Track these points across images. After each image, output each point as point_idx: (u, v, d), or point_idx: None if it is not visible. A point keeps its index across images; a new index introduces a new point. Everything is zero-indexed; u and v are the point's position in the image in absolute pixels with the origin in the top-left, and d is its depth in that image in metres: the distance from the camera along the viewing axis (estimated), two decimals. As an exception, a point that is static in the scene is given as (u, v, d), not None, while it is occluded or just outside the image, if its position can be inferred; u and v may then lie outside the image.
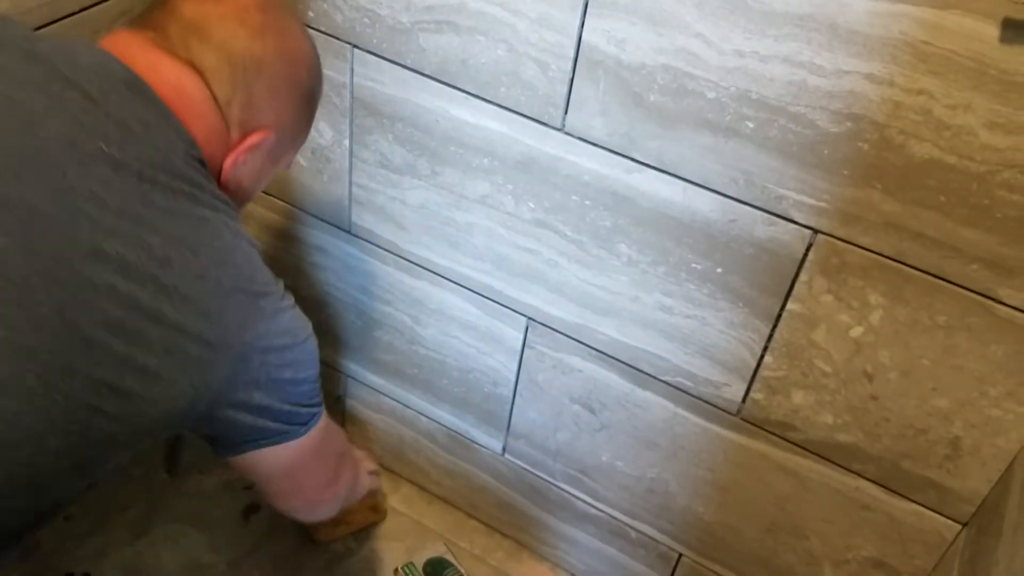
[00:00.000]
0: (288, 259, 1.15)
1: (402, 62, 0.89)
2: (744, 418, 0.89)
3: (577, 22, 0.76)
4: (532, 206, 0.90)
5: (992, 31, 0.60)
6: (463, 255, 0.98)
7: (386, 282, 1.07)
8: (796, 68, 0.68)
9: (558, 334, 0.97)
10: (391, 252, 1.05)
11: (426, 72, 0.88)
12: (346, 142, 0.99)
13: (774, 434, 0.88)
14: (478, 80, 0.85)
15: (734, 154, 0.75)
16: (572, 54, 0.78)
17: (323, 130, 0.99)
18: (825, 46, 0.66)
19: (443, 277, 1.02)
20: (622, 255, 0.87)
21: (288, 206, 1.10)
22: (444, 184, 0.94)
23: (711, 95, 0.73)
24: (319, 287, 1.15)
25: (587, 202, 0.86)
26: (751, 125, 0.73)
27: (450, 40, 0.84)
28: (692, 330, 0.87)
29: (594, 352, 0.95)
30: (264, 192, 1.10)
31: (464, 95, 0.87)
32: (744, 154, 0.75)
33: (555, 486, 1.11)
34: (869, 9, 0.63)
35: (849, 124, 0.69)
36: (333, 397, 1.25)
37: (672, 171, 0.79)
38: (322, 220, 1.08)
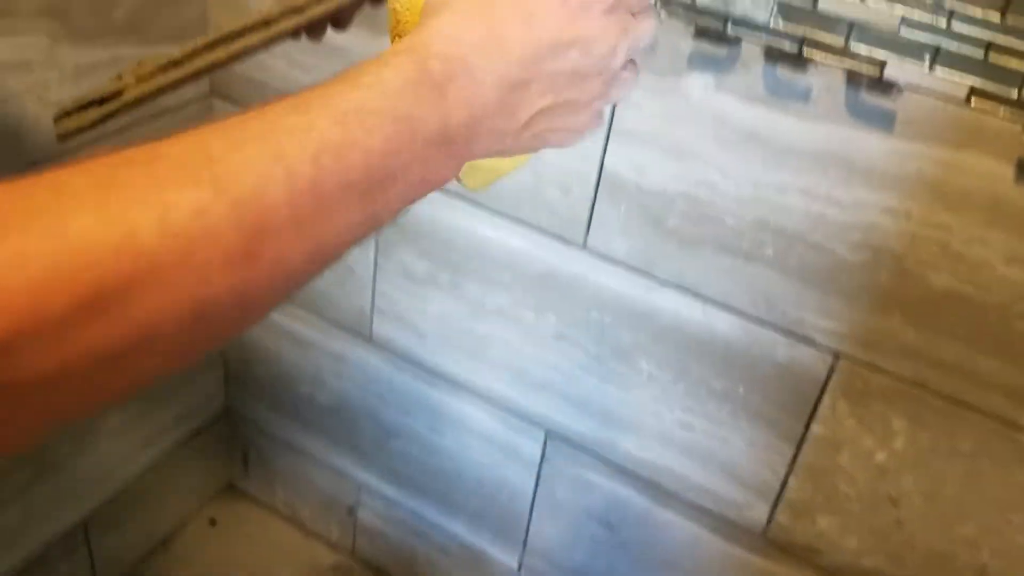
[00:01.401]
0: (307, 366, 1.17)
1: (426, 179, 0.93)
2: (769, 541, 0.90)
3: (599, 150, 0.81)
4: (552, 320, 0.93)
5: (1008, 171, 0.64)
6: (482, 366, 1.01)
7: (404, 391, 1.09)
8: (814, 200, 0.72)
9: (577, 449, 0.98)
10: (410, 361, 1.07)
11: (451, 190, 0.92)
12: (371, 254, 1.02)
13: (799, 558, 0.88)
14: (502, 201, 0.89)
15: (754, 277, 0.78)
16: (594, 179, 0.82)
17: (346, 241, 1.03)
18: (842, 180, 0.70)
19: (462, 387, 1.04)
20: (643, 371, 0.89)
21: (309, 314, 1.13)
22: (465, 296, 0.98)
23: (730, 222, 0.77)
24: (337, 395, 1.18)
25: (607, 318, 0.89)
26: (770, 251, 0.76)
27: (474, 161, 0.88)
28: (714, 449, 0.88)
29: (613, 468, 0.97)
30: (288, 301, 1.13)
31: (488, 213, 0.91)
32: (764, 278, 0.77)
33: (572, 603, 1.11)
34: (885, 147, 0.67)
35: (868, 254, 0.72)
36: (346, 507, 1.26)
37: (692, 291, 0.82)
38: (343, 329, 1.11)
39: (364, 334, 1.09)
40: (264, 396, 1.26)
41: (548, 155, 0.83)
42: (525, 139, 0.39)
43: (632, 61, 0.42)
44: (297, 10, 0.44)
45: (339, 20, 0.47)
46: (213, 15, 0.99)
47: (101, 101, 0.43)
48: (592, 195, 0.83)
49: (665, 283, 0.83)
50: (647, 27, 0.41)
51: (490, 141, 0.38)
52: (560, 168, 0.83)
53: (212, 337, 0.31)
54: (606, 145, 0.80)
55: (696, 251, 0.80)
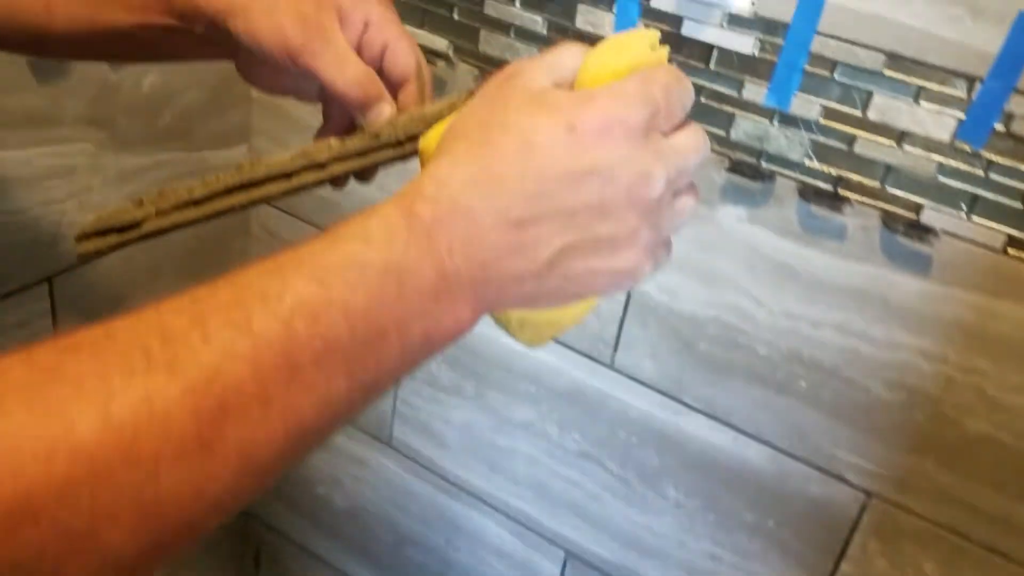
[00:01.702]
0: (324, 467, 1.16)
1: (455, 290, 0.93)
2: None
3: (630, 271, 0.81)
4: (577, 437, 0.92)
5: (1043, 319, 0.63)
6: (503, 479, 0.99)
7: (423, 500, 1.08)
8: (848, 336, 0.71)
9: (597, 572, 0.96)
10: (430, 469, 1.06)
11: (478, 301, 0.92)
12: (393, 359, 1.02)
13: None
14: (529, 314, 0.89)
15: (787, 410, 0.77)
16: (623, 299, 0.82)
17: (371, 345, 1.03)
18: (878, 319, 0.70)
19: (481, 500, 1.02)
20: (669, 497, 0.87)
21: (329, 414, 1.13)
22: (488, 407, 0.97)
23: (762, 351, 0.76)
24: (354, 499, 1.16)
25: (634, 439, 0.88)
26: (803, 384, 0.75)
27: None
28: (740, 580, 0.86)
29: (635, 592, 0.94)
30: (306, 399, 1.13)
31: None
32: (797, 411, 0.77)
33: None
34: (920, 290, 0.67)
35: (903, 394, 0.71)
36: (357, 614, 1.23)
37: (723, 418, 0.81)
38: (363, 431, 1.10)
39: (384, 438, 1.09)
40: (279, 495, 1.24)
41: (578, 274, 0.84)
42: (556, 283, 0.35)
43: (690, 185, 0.37)
44: (318, 166, 0.43)
45: (362, 173, 0.46)
46: (256, 121, 1.02)
47: (120, 229, 0.44)
48: (621, 314, 0.83)
49: (695, 408, 0.82)
50: (689, 145, 0.36)
51: (508, 286, 0.34)
52: (590, 288, 0.84)
53: (163, 541, 0.27)
54: (637, 268, 0.80)
55: (727, 378, 0.79)
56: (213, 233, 1.04)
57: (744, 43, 0.68)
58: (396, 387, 1.04)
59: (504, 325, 0.42)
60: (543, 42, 0.77)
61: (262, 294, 0.29)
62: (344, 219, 0.33)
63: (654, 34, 0.37)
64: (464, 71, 0.82)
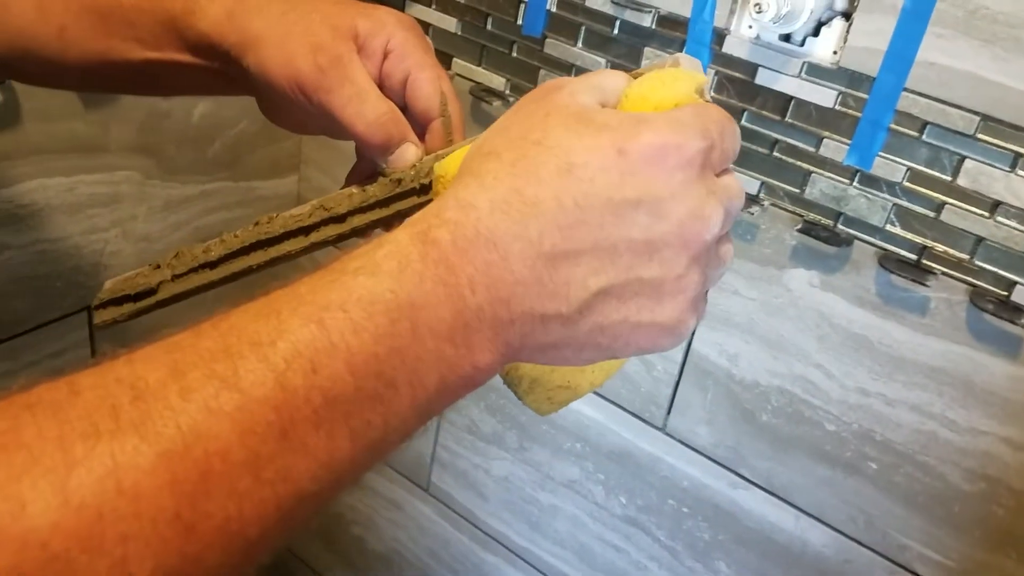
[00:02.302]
0: (362, 508, 1.14)
1: (502, 337, 0.90)
2: None
3: (688, 331, 0.77)
4: (623, 501, 0.87)
5: None
6: (543, 538, 0.95)
7: (457, 551, 1.04)
8: (926, 418, 0.66)
9: (640, 642, 0.91)
10: (467, 520, 1.02)
11: (526, 350, 0.89)
12: (435, 402, 0.99)
13: None
14: (579, 367, 0.85)
15: (854, 491, 0.72)
16: (680, 359, 0.78)
17: (413, 387, 1.00)
18: (959, 402, 0.64)
19: (519, 557, 0.98)
20: (720, 573, 0.82)
21: (366, 454, 1.10)
22: (531, 461, 0.93)
23: (830, 427, 0.71)
24: (388, 543, 1.13)
25: (685, 509, 0.83)
26: (874, 466, 0.70)
27: (554, 325, 0.85)
28: (794, 669, 0.80)
29: (679, 669, 0.89)
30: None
31: (562, 378, 0.87)
32: (865, 494, 0.71)
33: None
34: (1009, 373, 0.62)
35: (983, 485, 0.65)
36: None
37: (782, 495, 0.76)
38: (401, 474, 1.07)
39: (421, 483, 1.06)
40: (315, 530, 1.22)
41: (633, 328, 0.80)
42: (586, 333, 0.30)
43: (728, 234, 0.33)
44: (338, 219, 0.40)
45: (388, 225, 0.41)
46: (307, 151, 1.00)
47: (136, 297, 0.42)
48: (676, 375, 0.79)
49: (753, 482, 0.77)
50: (737, 188, 0.32)
51: (535, 330, 0.29)
52: (645, 345, 0.80)
53: None
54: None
55: (790, 453, 0.74)
56: (258, 263, 1.02)
57: (824, 96, 0.64)
58: (435, 431, 1.01)
59: (513, 384, 0.37)
60: (606, 85, 0.74)
61: (252, 340, 0.26)
62: (352, 249, 0.29)
63: (703, 79, 0.33)
64: (522, 112, 0.79)
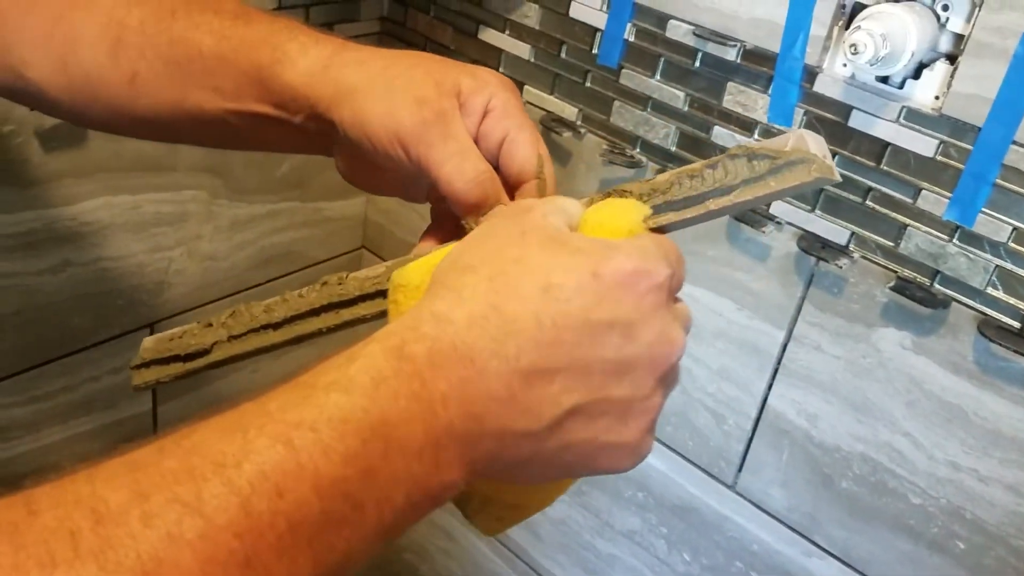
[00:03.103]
0: (415, 536, 1.13)
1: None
2: None
3: (763, 385, 0.73)
4: (687, 558, 0.84)
5: None
6: (600, 588, 0.92)
7: (511, 592, 1.02)
8: (1023, 500, 0.61)
9: None
10: (520, 558, 1.00)
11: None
12: (494, 437, 0.98)
13: None
14: (645, 413, 0.82)
15: (937, 571, 0.67)
16: (754, 414, 0.74)
17: (472, 419, 0.99)
18: (1065, 488, 0.59)
19: (574, 605, 0.96)
20: (787, 645, 0.78)
21: (422, 483, 1.09)
22: (590, 506, 0.90)
23: (916, 500, 0.67)
24: (440, 572, 1.12)
25: (753, 573, 0.79)
26: (961, 545, 0.65)
27: (621, 368, 0.82)
28: None
29: None
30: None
31: (627, 423, 0.84)
32: (950, 574, 0.66)
33: None
34: None
35: (1092, 581, 0.60)
36: None
37: (860, 568, 0.71)
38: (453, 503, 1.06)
39: (478, 519, 1.04)
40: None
41: (701, 374, 0.76)
42: (552, 451, 0.31)
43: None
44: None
45: None
46: (373, 172, 0.99)
47: (186, 357, 0.40)
48: (750, 432, 0.75)
49: (828, 551, 0.73)
50: (690, 314, 0.34)
51: (505, 447, 0.30)
52: (715, 393, 0.76)
53: None
54: (772, 381, 0.72)
55: (870, 524, 0.70)
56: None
57: (924, 144, 0.59)
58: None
59: (462, 502, 0.37)
60: (682, 119, 0.71)
61: (217, 460, 0.25)
62: (322, 362, 0.29)
63: (647, 209, 0.35)
64: (592, 143, 0.77)
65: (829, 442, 0.70)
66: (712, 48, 0.66)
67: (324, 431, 0.26)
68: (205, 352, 0.40)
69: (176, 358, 0.40)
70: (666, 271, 0.32)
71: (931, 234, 0.61)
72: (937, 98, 0.59)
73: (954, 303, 0.61)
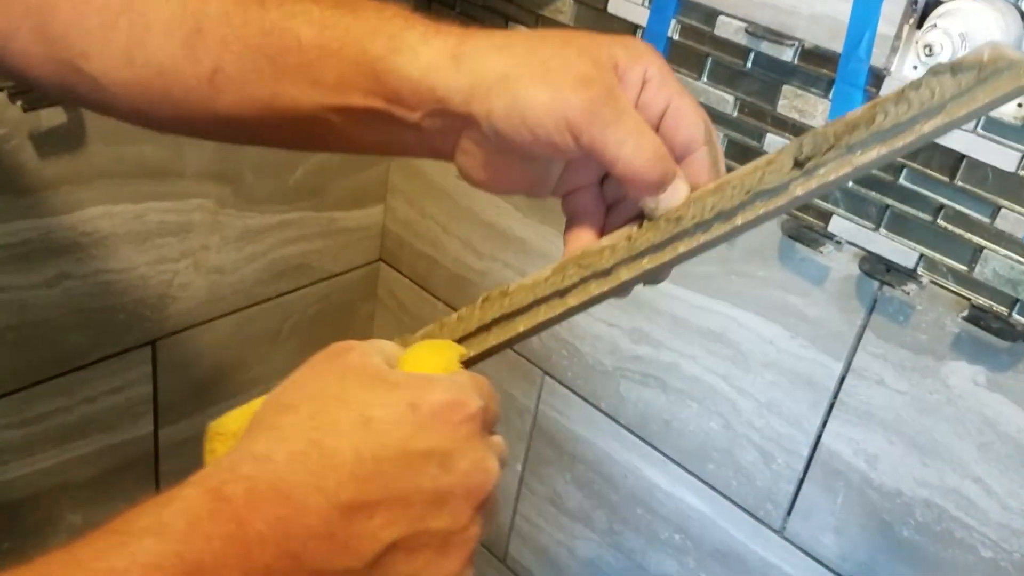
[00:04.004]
0: (429, 570, 1.08)
1: (596, 403, 0.83)
2: None
3: (818, 421, 0.68)
4: (727, 607, 0.78)
5: None
6: (632, 635, 0.87)
7: (534, 635, 0.97)
8: (1120, 562, 0.55)
9: None
10: (546, 600, 0.95)
11: (621, 421, 0.81)
12: (518, 467, 0.93)
13: None
14: (681, 447, 0.77)
15: (1013, 635, 0.61)
16: (806, 453, 0.69)
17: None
18: None
19: (603, 651, 0.90)
20: None
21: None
22: (623, 547, 0.85)
23: (986, 553, 0.61)
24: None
25: (800, 626, 0.73)
26: (1043, 608, 0.59)
27: (656, 396, 0.77)
28: None
29: None
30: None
31: (662, 457, 0.79)
32: (1028, 639, 0.61)
33: None
34: None
35: None
36: None
37: (922, 627, 0.66)
38: (475, 541, 1.01)
39: (498, 554, 0.99)
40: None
41: (747, 407, 0.71)
42: None
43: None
44: (602, 274, 0.37)
45: (656, 274, 0.38)
46: (394, 180, 0.96)
47: None
48: (801, 472, 0.70)
49: (885, 607, 0.68)
50: (505, 447, 0.35)
51: None
52: (763, 428, 0.71)
53: None
54: (827, 417, 0.67)
55: (934, 579, 0.64)
56: (338, 296, 0.98)
57: (1005, 157, 0.54)
58: (515, 498, 0.94)
59: None
60: (731, 125, 0.66)
61: None
62: (137, 506, 0.29)
63: (463, 351, 0.38)
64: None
65: (889, 486, 0.65)
66: (766, 47, 0.61)
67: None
68: None
69: None
70: (479, 403, 0.33)
71: (1010, 258, 0.56)
72: (1020, 106, 0.53)
73: (1037, 336, 0.56)
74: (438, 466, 0.32)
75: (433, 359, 0.37)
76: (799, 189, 0.35)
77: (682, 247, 0.36)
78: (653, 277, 0.38)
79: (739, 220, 0.36)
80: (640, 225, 0.37)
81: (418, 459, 0.32)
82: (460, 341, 0.39)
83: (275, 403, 0.33)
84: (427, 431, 0.32)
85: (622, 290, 0.37)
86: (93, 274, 0.75)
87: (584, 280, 0.37)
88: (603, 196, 0.40)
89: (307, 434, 0.31)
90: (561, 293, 0.37)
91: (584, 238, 0.39)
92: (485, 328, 0.38)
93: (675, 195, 0.37)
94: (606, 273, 0.37)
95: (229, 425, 0.35)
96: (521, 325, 0.38)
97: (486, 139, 0.37)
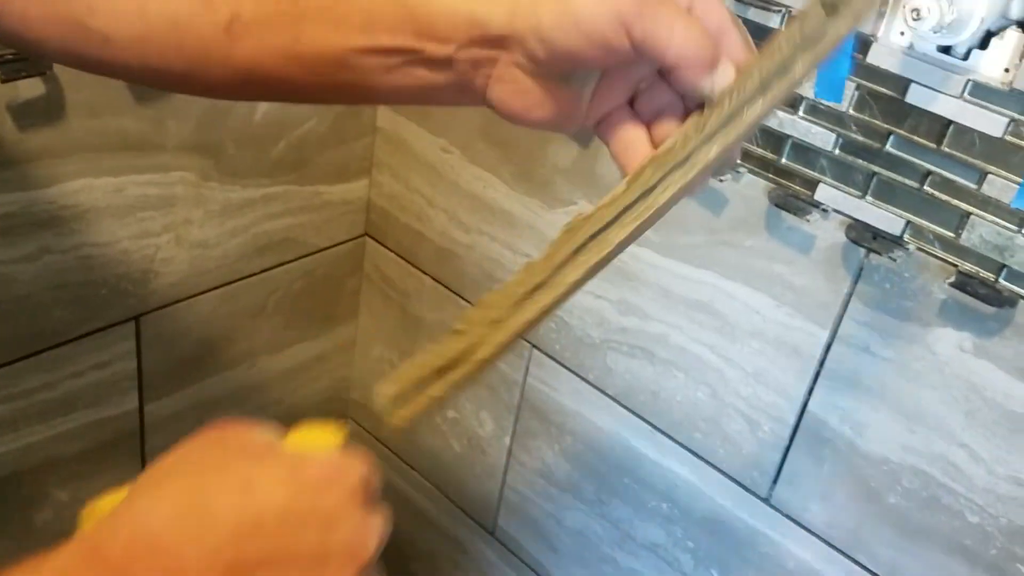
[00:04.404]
0: (423, 544, 1.09)
1: (584, 375, 0.83)
2: None
3: (804, 389, 0.68)
4: (716, 575, 0.79)
5: None
6: (620, 604, 0.88)
7: (523, 606, 0.98)
8: (1102, 525, 0.56)
9: None
10: (536, 572, 0.96)
11: (609, 392, 0.82)
12: (507, 439, 0.93)
13: None
14: (669, 417, 0.77)
15: (997, 598, 0.62)
16: (792, 421, 0.70)
17: (484, 420, 0.94)
18: None
19: (592, 621, 0.91)
20: (825, 672, 0.73)
21: (434, 488, 1.04)
22: (610, 516, 0.86)
23: (973, 519, 0.62)
24: (447, 584, 1.08)
25: (787, 593, 0.74)
26: (1026, 570, 0.60)
27: (643, 367, 0.78)
28: None
29: None
30: (411, 467, 1.06)
31: (649, 428, 0.79)
32: (1012, 602, 0.61)
33: None
34: None
35: None
36: None
37: (908, 593, 0.67)
38: (466, 514, 1.01)
39: (487, 526, 0.99)
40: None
41: (734, 376, 0.71)
42: None
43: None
44: (682, 163, 0.37)
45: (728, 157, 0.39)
46: (379, 154, 0.95)
47: (441, 370, 0.38)
48: (787, 440, 0.70)
49: (872, 573, 0.68)
50: (386, 520, 0.36)
51: None
52: (749, 397, 0.71)
53: None
54: (813, 385, 0.67)
55: (921, 544, 0.65)
56: (323, 271, 0.98)
57: (992, 122, 0.54)
58: (503, 469, 0.95)
59: None
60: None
61: None
62: (17, 566, 0.29)
63: (345, 433, 0.38)
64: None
65: (876, 453, 0.65)
66: (753, 14, 0.61)
67: None
68: (470, 352, 0.37)
69: (428, 376, 0.37)
70: (360, 472, 0.35)
71: (997, 224, 0.56)
72: (1007, 71, 0.53)
73: (1022, 301, 0.56)
74: (318, 529, 0.32)
75: (316, 441, 0.38)
76: (843, 28, 0.36)
77: (749, 115, 0.37)
78: (729, 157, 0.39)
79: (797, 71, 0.36)
80: (701, 113, 0.38)
81: (298, 521, 0.32)
82: (558, 269, 0.38)
83: (156, 471, 0.34)
84: (308, 494, 0.33)
85: (703, 177, 0.38)
86: (75, 248, 0.74)
87: (664, 177, 0.37)
88: (638, 115, 0.40)
89: (188, 496, 0.32)
90: (646, 194, 0.37)
91: (639, 150, 0.39)
92: (577, 251, 0.38)
93: (727, 72, 0.37)
94: (684, 162, 0.37)
95: (106, 508, 0.35)
96: (614, 235, 0.37)
97: (527, 61, 0.37)
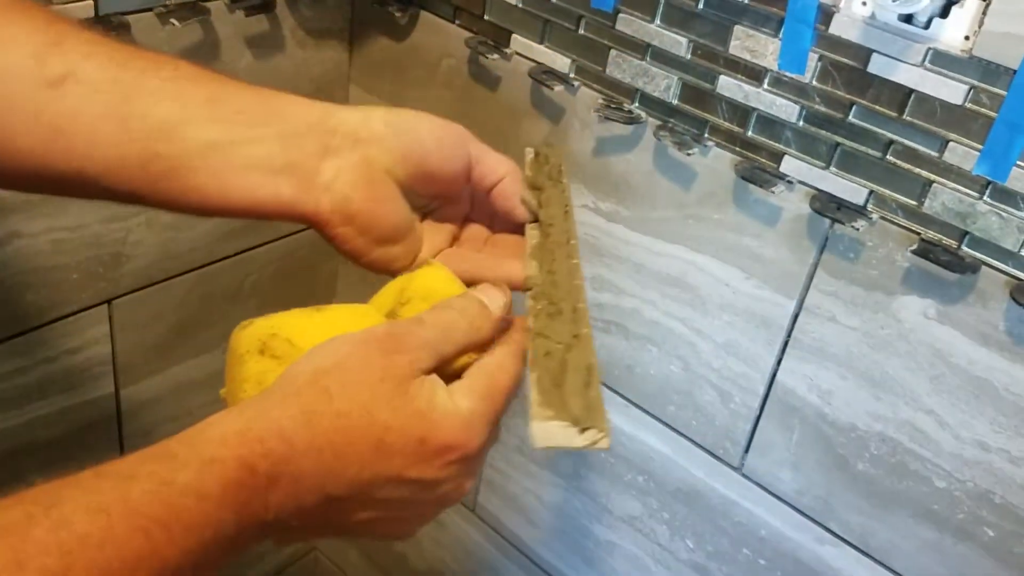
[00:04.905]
0: (400, 523, 1.09)
1: (560, 351, 0.83)
2: None
3: (772, 360, 0.69)
4: (691, 545, 0.80)
5: None
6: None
7: (504, 580, 0.99)
8: (1062, 485, 0.57)
9: None
10: (516, 547, 0.97)
11: (585, 367, 0.82)
12: (484, 417, 0.94)
13: None
14: (643, 391, 0.78)
15: (963, 560, 0.63)
16: (762, 391, 0.70)
17: (461, 398, 0.95)
18: (1107, 470, 0.55)
19: (571, 594, 0.92)
20: (799, 638, 0.74)
21: (410, 467, 1.05)
22: (588, 491, 0.87)
23: (940, 484, 0.63)
24: (431, 562, 1.08)
25: (761, 561, 0.75)
26: (991, 532, 0.61)
27: (618, 343, 0.78)
28: None
29: None
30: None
31: (624, 402, 0.80)
32: (977, 564, 0.63)
33: None
34: None
35: None
36: None
37: (878, 557, 0.68)
38: None
39: (468, 504, 1.00)
40: (355, 542, 1.18)
41: (706, 349, 0.72)
42: (345, 533, 0.40)
43: None
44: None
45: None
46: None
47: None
48: (757, 410, 0.71)
49: (843, 539, 0.69)
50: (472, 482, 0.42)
51: (298, 538, 0.39)
52: (720, 369, 0.72)
53: None
54: (781, 355, 0.68)
55: (889, 510, 0.66)
56: (300, 254, 0.98)
57: (952, 90, 0.55)
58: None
59: None
60: (685, 68, 0.66)
61: (82, 538, 0.29)
62: (166, 448, 0.34)
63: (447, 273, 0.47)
64: (586, 97, 0.72)
65: (844, 421, 0.66)
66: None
67: (176, 527, 0.31)
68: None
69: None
70: (481, 440, 0.40)
71: (959, 191, 0.57)
72: (967, 38, 0.54)
73: (984, 267, 0.57)
74: (420, 489, 0.39)
75: (442, 289, 0.45)
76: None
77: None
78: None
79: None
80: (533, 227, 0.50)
81: (409, 483, 0.38)
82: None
83: (316, 373, 0.38)
84: (425, 464, 0.38)
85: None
86: (45, 232, 0.74)
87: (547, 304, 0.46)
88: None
89: (328, 435, 0.36)
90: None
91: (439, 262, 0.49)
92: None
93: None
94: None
95: (292, 333, 0.41)
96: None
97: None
